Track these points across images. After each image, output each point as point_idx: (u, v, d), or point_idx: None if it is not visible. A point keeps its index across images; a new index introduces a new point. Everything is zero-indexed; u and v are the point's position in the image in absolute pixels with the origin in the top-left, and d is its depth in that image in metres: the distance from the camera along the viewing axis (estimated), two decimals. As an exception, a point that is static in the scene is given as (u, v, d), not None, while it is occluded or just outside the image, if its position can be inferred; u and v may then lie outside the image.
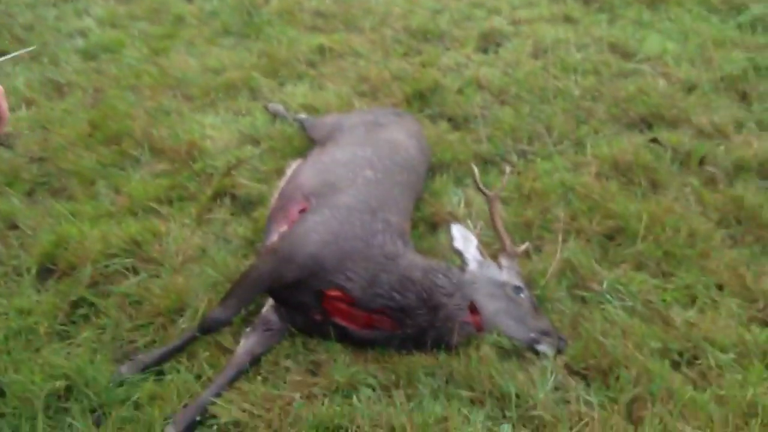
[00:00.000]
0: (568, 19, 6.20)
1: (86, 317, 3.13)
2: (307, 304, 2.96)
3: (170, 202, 3.84)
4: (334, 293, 2.92)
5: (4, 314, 3.16)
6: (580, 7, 6.41)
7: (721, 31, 5.76)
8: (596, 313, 3.06)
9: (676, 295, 3.19)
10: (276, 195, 3.61)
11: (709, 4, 6.26)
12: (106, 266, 3.36)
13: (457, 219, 3.64)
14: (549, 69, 5.19)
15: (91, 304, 3.18)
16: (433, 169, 4.12)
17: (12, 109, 4.85)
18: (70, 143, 4.41)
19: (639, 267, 3.38)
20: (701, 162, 4.11)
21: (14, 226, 3.71)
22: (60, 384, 2.74)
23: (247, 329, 2.98)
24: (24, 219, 3.73)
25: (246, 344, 2.91)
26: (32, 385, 2.71)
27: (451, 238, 3.15)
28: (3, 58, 2.10)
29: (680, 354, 2.91)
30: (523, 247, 3.25)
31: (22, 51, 2.23)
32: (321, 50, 5.70)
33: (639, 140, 4.32)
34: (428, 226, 3.71)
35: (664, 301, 3.17)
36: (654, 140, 4.29)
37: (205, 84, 5.18)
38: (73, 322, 3.10)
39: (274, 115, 4.76)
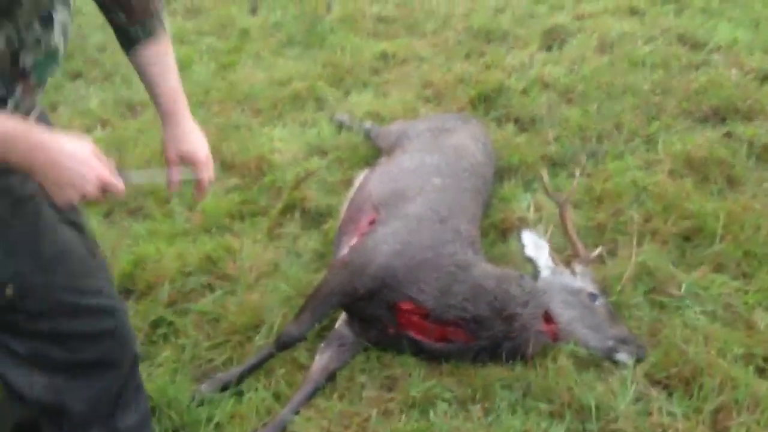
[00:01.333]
0: (633, 12, 6.08)
1: (165, 337, 3.19)
2: (381, 317, 2.97)
3: (242, 218, 3.90)
4: (407, 306, 2.92)
5: (87, 335, 3.26)
6: (645, -1, 6.28)
7: (795, 17, 5.58)
8: (676, 319, 2.99)
9: (759, 298, 3.09)
10: (345, 206, 3.63)
11: (781, -11, 6.06)
12: (183, 285, 3.43)
13: (527, 225, 3.59)
14: (616, 64, 5.09)
15: (170, 323, 3.23)
16: (500, 174, 4.09)
17: (87, 130, 5.02)
18: (144, 162, 4.52)
19: (718, 269, 3.28)
20: (780, 155, 3.98)
21: (94, 248, 3.83)
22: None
23: (322, 345, 3.00)
24: (102, 240, 3.80)
25: (321, 360, 2.93)
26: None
27: (522, 246, 3.12)
28: (141, 179, 2.21)
29: (765, 360, 2.81)
30: (596, 252, 3.19)
31: (156, 176, 2.37)
32: (384, 56, 5.72)
33: (713, 135, 4.19)
34: (498, 232, 3.67)
35: (746, 303, 3.07)
36: (729, 134, 4.16)
37: (272, 96, 5.25)
38: (153, 342, 3.16)
39: (340, 125, 4.79)
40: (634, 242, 3.32)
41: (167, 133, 2.09)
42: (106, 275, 2.14)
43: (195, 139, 2.09)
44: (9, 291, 1.71)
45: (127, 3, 1.88)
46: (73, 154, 1.61)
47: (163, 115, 2.07)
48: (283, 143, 4.60)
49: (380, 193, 3.44)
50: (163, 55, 1.99)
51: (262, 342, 3.07)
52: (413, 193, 3.34)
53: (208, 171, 2.12)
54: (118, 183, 1.69)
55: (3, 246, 1.70)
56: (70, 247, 1.89)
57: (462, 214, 3.27)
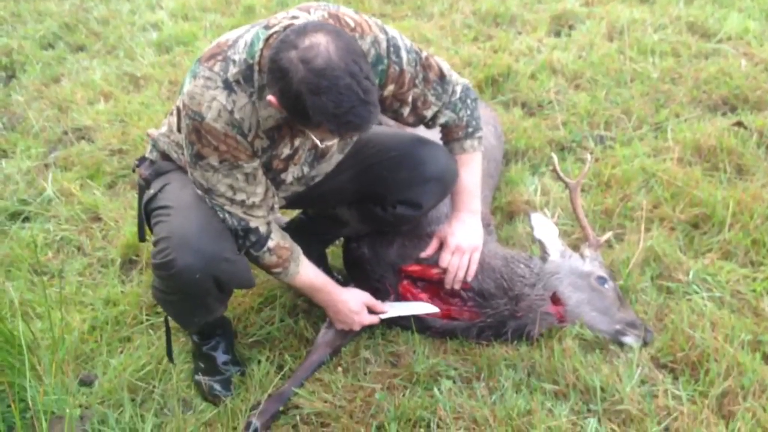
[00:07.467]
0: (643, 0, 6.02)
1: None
2: (385, 280, 2.97)
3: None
4: (413, 268, 2.92)
5: (90, 305, 3.24)
6: (655, -13, 6.22)
7: (806, 9, 5.54)
8: (683, 304, 2.97)
9: (767, 285, 3.08)
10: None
11: (792, -19, 6.01)
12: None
13: (534, 208, 3.58)
14: (625, 51, 5.04)
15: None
16: (507, 157, 4.06)
17: (90, 103, 4.98)
18: (145, 134, 4.48)
19: (726, 256, 3.26)
20: (789, 146, 3.95)
21: (97, 219, 3.80)
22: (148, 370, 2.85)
23: (328, 320, 2.96)
24: (106, 211, 3.81)
25: (327, 335, 2.92)
26: (123, 372, 2.81)
27: (531, 228, 3.09)
28: (395, 312, 2.89)
29: (772, 346, 2.80)
30: (605, 236, 3.17)
31: (411, 309, 2.93)
32: (391, 38, 5.65)
33: (722, 123, 4.15)
34: (505, 215, 3.65)
35: (753, 291, 3.05)
36: (738, 123, 4.13)
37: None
38: (157, 313, 3.15)
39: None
40: (642, 228, 3.30)
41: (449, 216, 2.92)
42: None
43: (457, 230, 2.84)
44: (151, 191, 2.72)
45: (444, 129, 2.82)
46: (349, 308, 2.75)
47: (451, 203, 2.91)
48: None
49: None
50: (462, 162, 2.83)
51: (265, 314, 3.07)
52: None
53: (453, 260, 2.83)
54: (374, 320, 2.83)
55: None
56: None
57: None
